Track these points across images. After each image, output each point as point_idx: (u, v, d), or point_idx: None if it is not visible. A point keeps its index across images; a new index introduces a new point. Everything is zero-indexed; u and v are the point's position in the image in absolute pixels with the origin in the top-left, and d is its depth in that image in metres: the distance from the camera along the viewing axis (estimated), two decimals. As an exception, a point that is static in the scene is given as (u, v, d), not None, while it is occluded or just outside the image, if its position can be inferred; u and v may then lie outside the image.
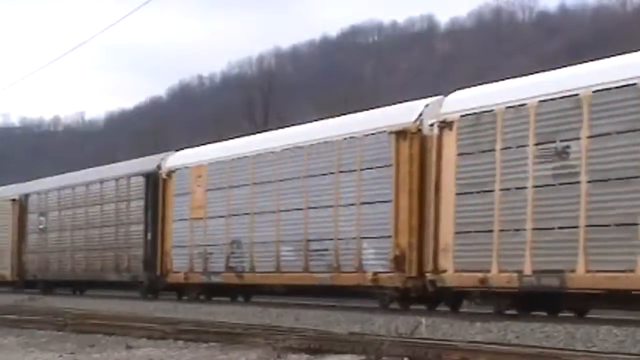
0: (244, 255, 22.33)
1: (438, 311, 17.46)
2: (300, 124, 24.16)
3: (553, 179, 14.80)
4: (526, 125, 15.28)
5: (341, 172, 19.39)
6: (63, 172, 34.78)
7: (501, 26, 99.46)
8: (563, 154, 14.70)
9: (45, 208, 32.66)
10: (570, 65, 16.16)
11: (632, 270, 13.55)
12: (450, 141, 16.69)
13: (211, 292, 24.52)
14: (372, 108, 21.43)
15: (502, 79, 17.59)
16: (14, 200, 34.89)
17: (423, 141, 17.58)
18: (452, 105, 17.02)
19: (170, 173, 25.55)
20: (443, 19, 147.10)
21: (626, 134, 13.84)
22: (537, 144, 15.07)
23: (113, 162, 34.20)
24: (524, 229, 15.17)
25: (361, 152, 18.89)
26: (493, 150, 15.86)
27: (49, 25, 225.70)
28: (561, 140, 14.73)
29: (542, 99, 15.15)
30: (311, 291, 21.51)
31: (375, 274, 18.35)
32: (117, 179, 28.28)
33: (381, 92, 68.99)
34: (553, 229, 14.72)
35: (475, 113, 16.33)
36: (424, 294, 17.48)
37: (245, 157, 22.67)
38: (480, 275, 15.82)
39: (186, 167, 25.02)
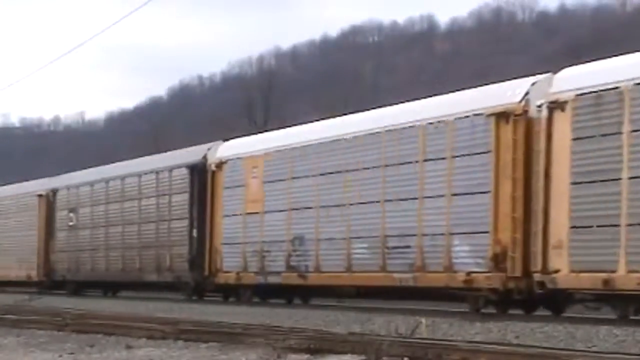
0: (308, 254, 20.42)
1: (438, 311, 16.93)
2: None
3: None
4: None
5: (426, 160, 17.53)
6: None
7: (501, 26, 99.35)
8: None
9: (75, 204, 30.81)
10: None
11: None
12: (563, 123, 14.98)
13: (267, 293, 22.70)
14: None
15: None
16: (40, 195, 33.00)
17: (529, 124, 15.77)
18: (564, 83, 15.25)
19: (220, 164, 23.56)
20: (443, 19, 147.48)
21: None
22: None
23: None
24: None
25: (452, 138, 17.01)
26: (619, 133, 14.13)
27: (49, 25, 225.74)
28: None
29: None
30: (387, 293, 19.38)
31: (468, 274, 16.50)
32: (157, 172, 26.40)
33: (381, 92, 69.00)
34: None
35: (595, 91, 14.55)
36: (529, 297, 15.75)
37: (310, 145, 20.69)
38: (603, 276, 14.06)
39: (239, 158, 23.02)
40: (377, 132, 18.84)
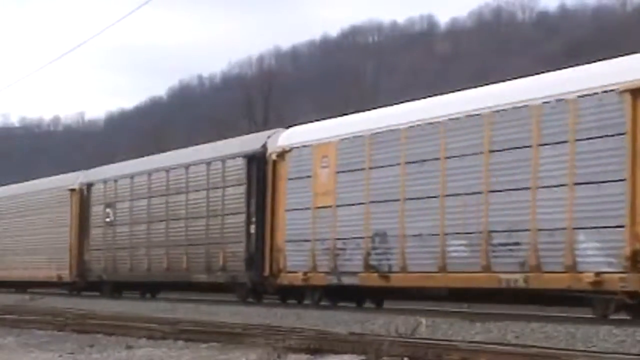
0: (391, 252, 18.19)
1: (438, 311, 16.68)
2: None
3: None
4: None
5: (541, 145, 15.41)
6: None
7: (501, 26, 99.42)
8: None
9: (113, 198, 28.36)
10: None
11: None
12: None
13: (338, 295, 20.43)
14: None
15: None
16: (72, 190, 30.45)
17: None
18: None
19: (282, 153, 21.17)
20: (443, 19, 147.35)
21: None
22: None
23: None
24: None
25: (574, 119, 14.91)
26: None
27: (49, 25, 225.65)
28: None
29: None
30: (489, 295, 17.29)
31: (597, 274, 14.41)
32: (208, 163, 24.07)
33: (381, 92, 69.03)
34: None
35: None
36: None
37: (393, 130, 18.42)
38: None
39: (305, 146, 20.68)
40: (476, 114, 16.70)
